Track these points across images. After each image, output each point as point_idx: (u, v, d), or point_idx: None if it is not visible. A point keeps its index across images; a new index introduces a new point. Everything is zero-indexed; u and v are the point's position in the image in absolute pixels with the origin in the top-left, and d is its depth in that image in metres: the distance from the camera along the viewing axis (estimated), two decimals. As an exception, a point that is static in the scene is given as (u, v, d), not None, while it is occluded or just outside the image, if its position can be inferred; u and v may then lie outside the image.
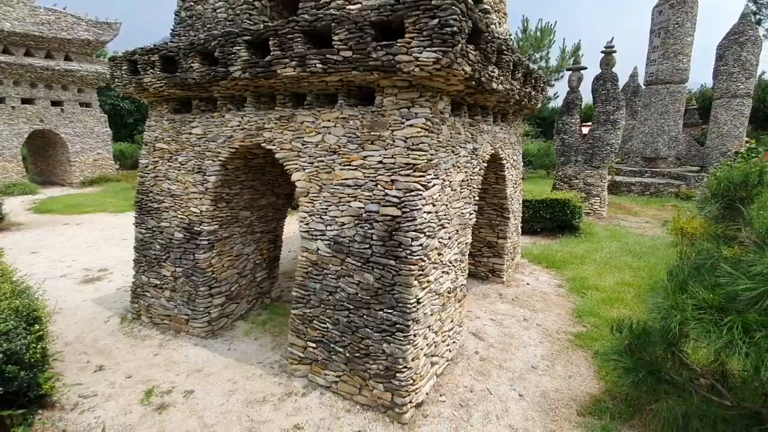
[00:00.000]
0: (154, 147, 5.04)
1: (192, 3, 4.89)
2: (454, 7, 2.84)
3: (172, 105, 4.91)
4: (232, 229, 4.98)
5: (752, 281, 2.54)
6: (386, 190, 3.43)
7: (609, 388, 3.79)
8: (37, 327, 3.30)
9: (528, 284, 6.53)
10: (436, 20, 2.88)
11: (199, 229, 4.67)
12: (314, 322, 3.85)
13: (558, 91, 27.23)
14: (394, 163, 3.40)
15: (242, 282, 5.26)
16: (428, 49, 2.93)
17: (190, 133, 4.70)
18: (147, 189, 5.10)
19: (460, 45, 2.98)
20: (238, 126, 4.30)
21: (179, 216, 4.82)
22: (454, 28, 2.86)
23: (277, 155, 4.06)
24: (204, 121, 4.58)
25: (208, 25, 4.78)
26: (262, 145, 4.15)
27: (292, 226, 9.08)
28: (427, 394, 3.70)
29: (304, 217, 3.90)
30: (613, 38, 11.37)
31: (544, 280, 6.76)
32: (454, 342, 4.35)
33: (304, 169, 3.89)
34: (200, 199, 4.66)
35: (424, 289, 3.51)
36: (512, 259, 6.94)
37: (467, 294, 5.12)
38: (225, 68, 3.95)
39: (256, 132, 4.17)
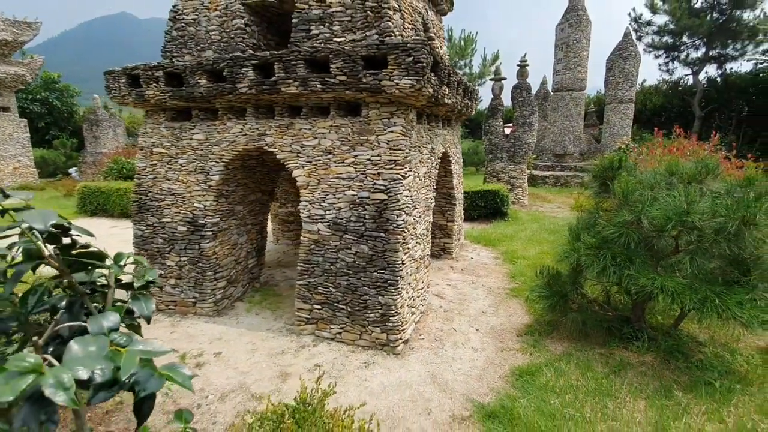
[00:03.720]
0: (152, 151, 5.61)
1: (183, 24, 5.56)
2: (423, 49, 4.03)
3: (170, 114, 5.54)
4: (229, 221, 5.73)
5: (615, 228, 4.07)
6: (374, 180, 4.53)
7: (536, 319, 5.26)
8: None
9: (472, 258, 8.01)
10: (411, 57, 4.05)
11: (203, 221, 5.37)
12: (319, 288, 4.83)
13: (482, 96, 29.94)
14: (380, 160, 4.51)
15: (238, 268, 6.02)
16: (406, 77, 4.10)
17: (191, 139, 5.38)
18: (146, 189, 5.65)
19: (426, 75, 4.18)
20: (241, 132, 5.11)
21: (182, 212, 5.47)
22: (424, 64, 4.06)
23: (278, 156, 4.96)
24: (205, 128, 5.30)
25: (201, 45, 5.50)
26: (264, 148, 5.02)
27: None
28: (410, 334, 4.86)
29: (305, 206, 4.85)
30: (526, 53, 13.49)
31: (484, 254, 8.30)
32: (424, 299, 5.57)
33: (304, 167, 4.85)
34: (203, 195, 5.37)
35: (406, 254, 4.67)
36: (459, 240, 8.38)
37: (428, 265, 6.38)
38: (232, 85, 4.77)
39: (258, 137, 5.03)
